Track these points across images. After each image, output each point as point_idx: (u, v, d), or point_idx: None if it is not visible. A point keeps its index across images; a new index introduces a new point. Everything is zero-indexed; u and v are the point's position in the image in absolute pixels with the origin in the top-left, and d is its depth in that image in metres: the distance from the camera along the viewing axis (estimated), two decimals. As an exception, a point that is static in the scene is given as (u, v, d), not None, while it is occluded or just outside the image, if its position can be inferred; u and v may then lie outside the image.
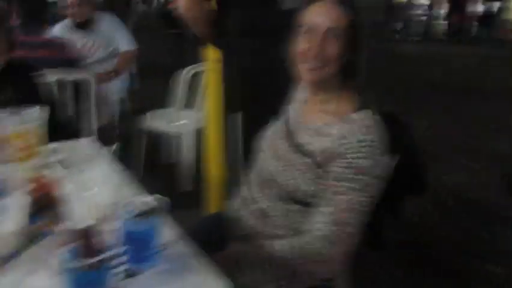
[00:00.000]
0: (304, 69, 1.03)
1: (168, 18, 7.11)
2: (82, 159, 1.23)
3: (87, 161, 1.21)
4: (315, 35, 0.99)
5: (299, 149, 1.05)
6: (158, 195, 0.77)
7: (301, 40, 1.02)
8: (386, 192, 1.05)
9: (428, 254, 2.16)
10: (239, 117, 1.57)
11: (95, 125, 2.47)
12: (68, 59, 2.35)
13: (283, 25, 1.47)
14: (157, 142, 3.25)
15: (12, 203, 0.84)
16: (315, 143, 1.01)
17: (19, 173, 1.07)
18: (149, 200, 0.73)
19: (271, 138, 1.17)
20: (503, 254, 2.16)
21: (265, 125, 1.23)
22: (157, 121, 2.89)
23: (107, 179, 0.88)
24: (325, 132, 1.01)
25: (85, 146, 1.37)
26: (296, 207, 1.05)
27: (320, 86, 1.05)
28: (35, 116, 1.11)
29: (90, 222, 0.67)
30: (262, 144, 1.20)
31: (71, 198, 0.85)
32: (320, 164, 0.99)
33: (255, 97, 1.55)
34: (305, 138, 1.05)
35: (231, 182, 1.69)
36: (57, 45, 2.36)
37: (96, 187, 0.87)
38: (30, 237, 0.85)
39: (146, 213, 0.73)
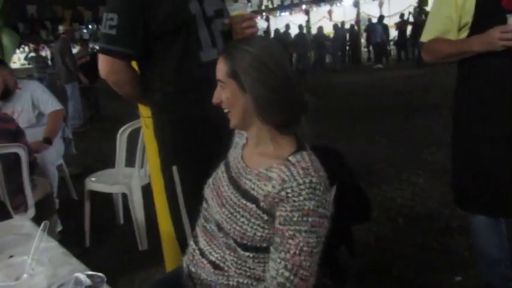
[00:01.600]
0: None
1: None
2: (13, 241, 1.14)
3: (19, 243, 1.12)
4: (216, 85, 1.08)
5: (243, 194, 1.04)
6: (93, 273, 0.72)
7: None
8: (333, 224, 1.07)
9: (389, 275, 2.19)
10: (175, 170, 1.55)
11: (31, 200, 2.34)
12: (10, 132, 2.26)
13: (205, 77, 1.52)
14: (103, 205, 3.14)
15: None
16: (258, 189, 1.02)
17: None
18: (83, 278, 0.69)
19: (214, 186, 1.16)
20: (458, 262, 2.23)
21: (203, 175, 1.22)
22: (101, 183, 2.79)
23: (39, 260, 0.82)
24: (266, 176, 1.02)
25: (17, 226, 1.28)
26: (246, 254, 1.03)
27: (247, 130, 1.09)
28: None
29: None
30: (206, 194, 1.18)
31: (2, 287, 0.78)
32: (264, 209, 0.99)
33: (188, 149, 1.54)
34: (248, 184, 1.05)
35: (180, 237, 1.64)
36: (3, 118, 2.28)
37: (26, 273, 0.80)
38: None
39: (82, 294, 0.68)
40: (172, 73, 1.50)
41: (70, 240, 2.69)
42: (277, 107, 1.00)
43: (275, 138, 1.05)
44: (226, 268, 1.06)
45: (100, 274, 0.71)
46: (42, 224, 0.86)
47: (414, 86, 8.30)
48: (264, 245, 1.00)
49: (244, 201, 1.03)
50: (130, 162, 2.76)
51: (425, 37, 1.68)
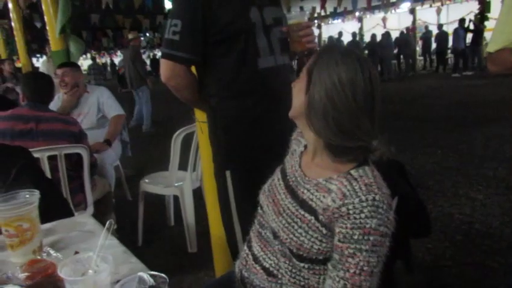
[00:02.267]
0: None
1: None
2: (77, 238, 1.20)
3: (83, 240, 1.18)
4: None
5: (301, 204, 1.02)
6: (155, 273, 0.74)
7: None
8: (392, 238, 1.03)
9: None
10: (228, 175, 1.56)
11: (91, 198, 2.46)
12: (72, 133, 2.40)
13: (261, 84, 1.52)
14: (155, 206, 3.24)
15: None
16: (316, 200, 0.99)
17: (15, 260, 1.05)
18: (146, 278, 0.71)
19: (270, 193, 1.15)
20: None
21: (256, 181, 1.22)
22: (154, 185, 2.88)
23: (104, 257, 0.85)
24: (325, 188, 0.99)
25: (80, 223, 1.34)
26: (302, 264, 1.01)
27: (304, 132, 1.08)
28: (27, 200, 1.09)
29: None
30: (261, 200, 1.18)
31: (68, 282, 0.82)
32: (323, 223, 0.96)
33: (242, 154, 1.55)
34: (306, 194, 1.02)
35: (231, 242, 1.65)
36: (63, 120, 2.43)
37: (92, 269, 0.84)
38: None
39: (144, 294, 0.70)
40: (229, 79, 1.53)
41: (124, 238, 2.79)
42: (332, 130, 0.96)
43: (332, 151, 1.01)
44: (280, 276, 1.05)
45: (162, 275, 0.73)
46: (107, 223, 0.90)
47: (474, 97, 7.89)
48: (321, 257, 0.98)
49: (303, 212, 1.00)
50: (182, 165, 2.83)
51: (492, 47, 1.58)
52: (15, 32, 7.05)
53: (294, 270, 1.03)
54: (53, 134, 2.29)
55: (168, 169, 2.80)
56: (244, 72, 1.51)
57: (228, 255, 1.76)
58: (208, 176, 2.00)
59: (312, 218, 0.97)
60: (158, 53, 19.31)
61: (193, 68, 1.61)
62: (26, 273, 0.88)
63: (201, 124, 2.00)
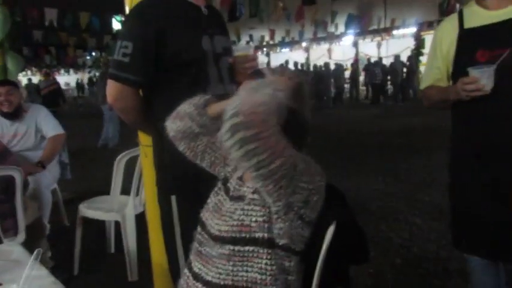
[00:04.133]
0: None
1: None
2: (2, 268, 1.10)
3: (8, 270, 1.08)
4: None
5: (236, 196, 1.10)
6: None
7: None
8: (331, 264, 1.05)
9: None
10: (173, 199, 1.53)
11: (23, 224, 2.29)
12: None
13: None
14: (95, 232, 3.07)
15: None
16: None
17: None
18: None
19: (214, 207, 1.16)
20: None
21: (201, 206, 1.22)
22: (94, 210, 2.74)
23: (30, 290, 0.79)
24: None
25: (7, 251, 1.24)
26: (246, 248, 1.04)
27: None
28: None
29: None
30: (204, 217, 1.18)
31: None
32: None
33: (188, 179, 1.53)
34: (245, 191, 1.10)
35: (174, 268, 1.60)
36: None
37: (15, 303, 0.77)
38: None
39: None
40: (179, 104, 1.51)
41: (59, 267, 2.62)
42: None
43: None
44: (222, 283, 1.05)
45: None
46: (35, 252, 0.83)
47: (413, 127, 8.38)
48: (261, 234, 1.02)
49: (239, 201, 1.08)
50: (125, 190, 2.73)
51: (422, 84, 1.78)
52: None
53: (235, 269, 1.04)
54: None
55: (110, 193, 2.69)
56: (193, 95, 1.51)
57: (170, 282, 1.70)
58: (152, 200, 1.93)
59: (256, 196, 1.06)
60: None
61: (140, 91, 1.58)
62: None
63: (145, 148, 1.95)
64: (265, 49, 21.18)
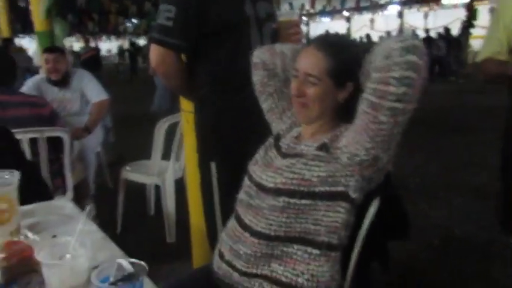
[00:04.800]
0: (295, 108, 1.16)
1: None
2: (56, 221, 1.18)
3: (61, 224, 1.16)
4: (298, 77, 1.12)
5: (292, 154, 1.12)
6: (135, 260, 0.73)
7: (292, 80, 1.15)
8: (371, 239, 1.05)
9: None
10: (213, 166, 1.56)
11: (71, 183, 2.41)
12: (46, 116, 2.33)
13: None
14: (136, 195, 3.20)
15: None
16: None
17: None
18: (125, 265, 0.69)
19: (263, 161, 1.19)
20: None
21: (240, 174, 1.23)
22: (136, 173, 2.84)
23: (82, 242, 0.84)
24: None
25: (59, 207, 1.32)
26: (302, 201, 1.05)
27: (312, 124, 1.15)
28: (6, 180, 1.06)
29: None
30: (252, 170, 1.20)
31: (45, 265, 0.80)
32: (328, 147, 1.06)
33: (228, 146, 1.55)
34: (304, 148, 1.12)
35: (211, 233, 1.65)
36: (35, 103, 2.34)
37: (69, 253, 0.82)
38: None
39: (122, 280, 0.69)
40: (220, 70, 1.52)
41: (103, 225, 2.75)
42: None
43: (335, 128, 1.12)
44: (273, 234, 1.07)
45: (141, 263, 0.72)
46: (87, 208, 0.88)
47: (453, 104, 8.03)
48: (322, 188, 1.03)
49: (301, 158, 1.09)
50: (165, 155, 2.80)
51: (479, 56, 1.69)
52: (-4, 9, 6.87)
53: (288, 220, 1.06)
54: (22, 122, 2.17)
55: (151, 158, 2.78)
56: (236, 65, 1.50)
57: (207, 246, 1.76)
58: (192, 166, 1.98)
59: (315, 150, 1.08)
60: (141, 41, 18.90)
61: (183, 57, 1.59)
62: (2, 255, 0.86)
63: (186, 114, 1.98)
64: (304, 18, 20.66)
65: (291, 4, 17.32)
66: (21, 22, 14.11)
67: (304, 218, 1.06)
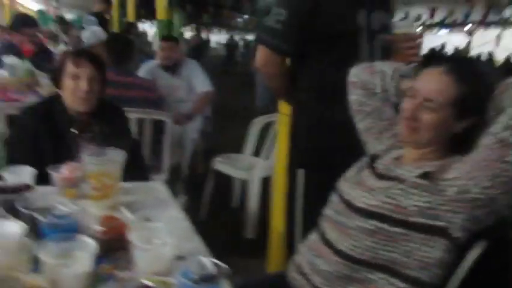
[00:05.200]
0: (402, 128, 1.07)
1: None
2: (149, 203, 1.25)
3: (154, 206, 1.23)
4: (414, 99, 1.03)
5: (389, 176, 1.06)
6: (219, 263, 0.74)
7: (406, 100, 1.06)
8: (468, 284, 0.95)
9: None
10: (301, 173, 1.53)
11: (167, 165, 2.57)
12: (154, 100, 2.51)
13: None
14: (224, 186, 3.31)
15: (81, 243, 0.86)
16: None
17: (92, 211, 1.12)
18: (209, 266, 0.71)
19: (355, 180, 1.14)
20: None
21: (328, 186, 1.20)
22: (226, 165, 2.94)
23: (172, 230, 0.88)
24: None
25: (154, 189, 1.40)
26: (395, 229, 0.99)
27: (418, 149, 1.07)
28: (116, 158, 1.16)
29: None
30: (342, 188, 1.16)
31: (135, 247, 0.86)
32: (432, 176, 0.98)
33: (319, 156, 1.51)
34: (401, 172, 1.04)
35: (290, 239, 1.63)
36: (146, 86, 2.54)
37: (160, 239, 0.87)
38: (94, 280, 0.85)
39: (204, 280, 0.70)
40: (323, 78, 1.49)
41: (188, 209, 2.89)
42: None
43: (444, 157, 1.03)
44: (357, 256, 1.02)
45: (226, 266, 0.73)
46: (183, 199, 0.92)
47: None
48: (418, 219, 0.96)
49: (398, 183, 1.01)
50: (256, 152, 2.84)
51: None
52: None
53: (376, 245, 1.00)
54: (136, 102, 2.36)
55: (243, 152, 2.84)
56: (340, 74, 1.46)
57: (283, 251, 1.75)
58: (280, 169, 1.99)
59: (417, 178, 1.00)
60: (248, 38, 19.47)
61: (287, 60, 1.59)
62: (101, 228, 0.94)
63: (283, 116, 1.99)
64: (420, 28, 19.49)
65: (406, 13, 16.44)
66: (146, 8, 15.42)
67: (393, 246, 0.99)
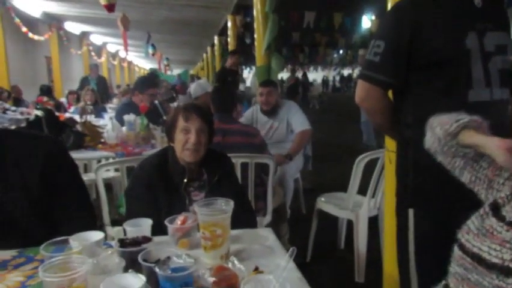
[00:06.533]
0: None
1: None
2: (258, 251, 1.26)
3: (263, 255, 1.23)
4: None
5: None
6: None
7: None
8: None
9: None
10: (411, 213, 1.42)
11: (271, 207, 2.60)
12: (257, 145, 2.60)
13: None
14: (328, 225, 3.23)
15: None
16: None
17: (205, 261, 1.16)
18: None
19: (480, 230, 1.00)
20: None
21: (441, 226, 1.07)
22: (330, 205, 2.87)
23: (282, 284, 0.86)
24: None
25: (262, 237, 1.40)
26: None
27: None
28: (223, 209, 1.20)
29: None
30: (463, 239, 1.03)
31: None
32: None
33: (430, 195, 1.39)
34: None
35: (404, 284, 1.50)
36: (246, 132, 2.65)
37: (270, 294, 0.86)
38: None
39: None
40: (430, 110, 1.39)
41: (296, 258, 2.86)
42: None
43: None
44: None
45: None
46: (290, 250, 0.91)
47: None
48: None
49: None
50: (361, 190, 2.74)
51: None
52: (229, 46, 8.23)
53: None
54: (237, 147, 2.45)
55: (346, 191, 2.76)
56: (449, 104, 1.34)
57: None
58: (389, 208, 1.88)
59: None
60: (346, 72, 19.42)
61: (390, 93, 1.53)
62: (213, 278, 0.96)
63: (390, 153, 1.90)
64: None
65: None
66: (245, 55, 16.40)
67: None
